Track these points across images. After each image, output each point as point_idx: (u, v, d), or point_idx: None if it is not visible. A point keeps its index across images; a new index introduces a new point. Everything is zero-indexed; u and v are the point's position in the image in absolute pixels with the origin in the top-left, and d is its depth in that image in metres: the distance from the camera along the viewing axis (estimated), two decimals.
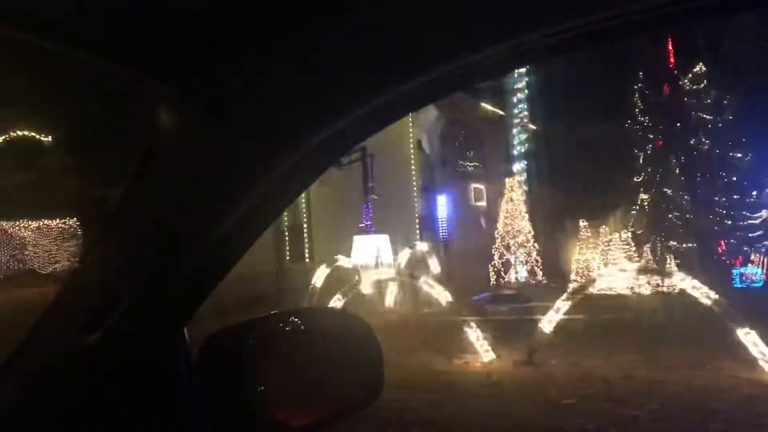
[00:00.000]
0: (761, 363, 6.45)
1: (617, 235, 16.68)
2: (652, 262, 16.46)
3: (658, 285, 12.06)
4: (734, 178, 17.53)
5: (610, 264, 14.36)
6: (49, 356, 0.94)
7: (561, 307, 7.41)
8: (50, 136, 19.91)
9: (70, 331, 0.92)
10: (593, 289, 14.07)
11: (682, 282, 7.01)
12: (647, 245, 17.08)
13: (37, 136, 19.53)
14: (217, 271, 0.93)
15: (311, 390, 1.03)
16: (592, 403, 5.96)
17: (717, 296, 6.90)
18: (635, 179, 16.60)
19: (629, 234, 16.77)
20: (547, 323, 7.37)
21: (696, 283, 7.02)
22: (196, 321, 0.96)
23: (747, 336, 6.55)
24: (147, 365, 0.93)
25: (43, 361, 0.94)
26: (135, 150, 0.92)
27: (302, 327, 1.07)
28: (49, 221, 18.72)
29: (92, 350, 0.90)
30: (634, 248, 16.52)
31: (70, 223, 18.72)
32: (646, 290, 13.09)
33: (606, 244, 16.95)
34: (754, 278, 16.99)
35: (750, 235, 18.65)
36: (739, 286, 16.32)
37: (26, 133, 19.41)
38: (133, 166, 0.89)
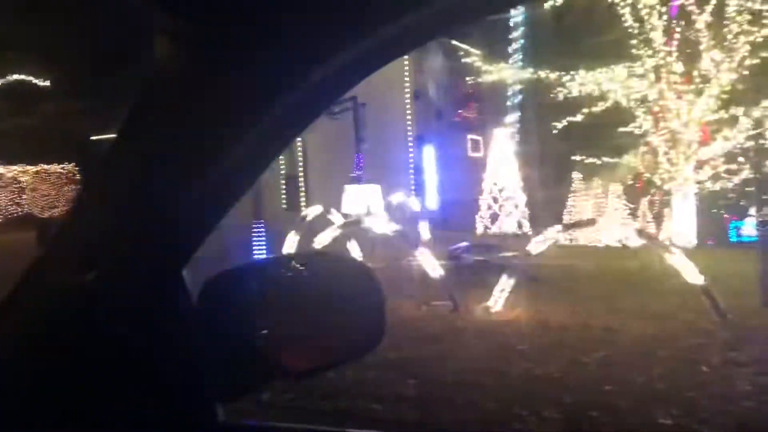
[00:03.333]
0: (713, 314, 6.68)
1: (610, 187, 16.79)
2: (648, 215, 16.63)
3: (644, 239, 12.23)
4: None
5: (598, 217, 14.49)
6: (44, 295, 0.93)
7: (528, 256, 7.61)
8: (49, 80, 19.95)
9: (65, 270, 0.91)
10: (582, 241, 14.32)
11: (645, 235, 7.17)
12: (644, 198, 17.17)
13: (36, 80, 19.64)
14: (216, 211, 0.92)
15: (312, 335, 1.01)
16: (545, 349, 6.21)
17: (678, 251, 7.09)
18: (634, 130, 16.29)
19: (621, 186, 16.84)
20: (514, 272, 7.59)
21: (661, 238, 7.20)
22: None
23: (702, 288, 6.77)
24: (146, 306, 0.92)
25: (38, 299, 0.93)
26: (132, 93, 0.91)
27: (304, 271, 1.05)
28: (48, 166, 19.00)
29: (88, 290, 0.88)
30: (624, 201, 16.65)
31: (69, 167, 19.00)
32: (633, 243, 13.29)
33: (597, 196, 17.09)
34: (751, 233, 16.97)
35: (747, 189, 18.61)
36: (735, 240, 16.39)
37: (24, 77, 19.52)
38: (130, 105, 0.88)
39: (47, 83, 20.18)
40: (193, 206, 0.88)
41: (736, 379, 5.14)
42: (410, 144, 18.88)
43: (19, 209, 18.83)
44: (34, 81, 20.01)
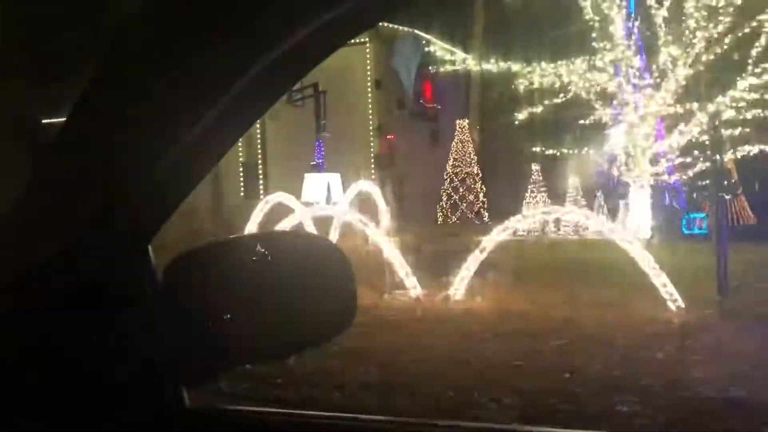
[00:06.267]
0: (668, 303, 6.83)
1: (569, 179, 17.01)
2: (604, 207, 16.89)
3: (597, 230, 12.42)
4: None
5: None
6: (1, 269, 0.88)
7: (488, 245, 7.65)
8: None
9: (20, 244, 0.87)
10: (539, 232, 14.48)
11: (603, 226, 7.29)
12: (599, 192, 17.44)
13: None
14: (183, 186, 0.89)
15: (278, 318, 0.97)
16: (505, 337, 6.25)
17: (634, 240, 7.23)
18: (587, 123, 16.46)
19: (578, 179, 17.06)
20: (475, 261, 7.63)
21: (617, 228, 7.33)
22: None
23: (658, 278, 6.90)
24: (110, 283, 0.89)
25: None
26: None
27: (268, 253, 0.99)
28: None
29: (48, 266, 0.84)
30: (581, 193, 16.89)
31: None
32: (590, 235, 13.49)
33: (555, 188, 17.30)
34: (701, 226, 17.31)
35: (700, 183, 19.05)
36: (687, 232, 16.74)
37: None
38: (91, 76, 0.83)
39: None
40: (160, 180, 0.84)
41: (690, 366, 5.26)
42: (371, 133, 18.81)
43: None
44: None
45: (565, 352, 5.84)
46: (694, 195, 18.59)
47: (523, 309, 7.19)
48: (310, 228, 10.24)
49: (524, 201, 16.85)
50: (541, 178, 17.21)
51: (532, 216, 7.37)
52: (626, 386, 4.80)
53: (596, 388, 4.85)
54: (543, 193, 16.94)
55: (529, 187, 17.20)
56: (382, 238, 8.30)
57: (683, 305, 6.81)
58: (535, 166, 17.20)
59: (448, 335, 6.43)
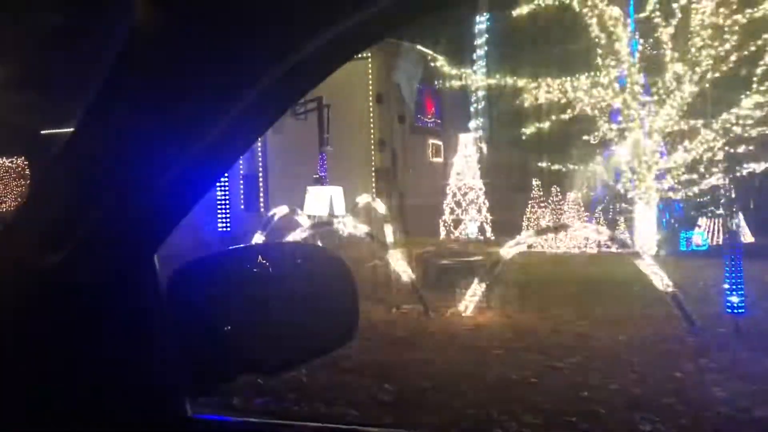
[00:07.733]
0: (681, 320, 6.76)
1: (569, 195, 16.98)
2: (602, 222, 16.86)
3: (602, 246, 12.39)
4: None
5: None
6: (4, 278, 0.88)
7: (497, 260, 7.58)
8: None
9: (25, 252, 0.86)
10: (541, 247, 14.44)
11: (615, 242, 7.23)
12: (600, 206, 17.41)
13: None
14: (189, 197, 0.89)
15: (280, 329, 0.97)
16: (518, 354, 6.17)
17: (645, 257, 7.16)
18: (592, 140, 16.50)
19: (579, 194, 17.03)
20: (484, 276, 7.56)
21: (627, 242, 7.27)
22: None
23: (669, 294, 6.84)
24: (114, 291, 0.89)
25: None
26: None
27: (269, 265, 1.00)
28: None
29: (50, 273, 0.84)
30: (583, 209, 16.86)
31: (18, 162, 18.20)
32: (592, 250, 13.44)
33: (556, 203, 17.27)
34: (699, 242, 17.30)
35: (698, 200, 19.05)
36: (684, 249, 16.73)
37: None
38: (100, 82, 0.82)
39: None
40: (167, 190, 0.85)
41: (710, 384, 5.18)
42: (373, 147, 18.80)
43: None
44: None
45: (577, 370, 5.75)
46: (692, 212, 18.59)
47: (534, 325, 7.11)
48: (315, 241, 10.17)
49: (525, 216, 16.81)
50: (541, 192, 17.18)
51: (544, 231, 7.25)
52: (646, 405, 4.73)
53: (615, 406, 4.77)
54: (544, 209, 16.90)
55: (530, 202, 17.18)
56: (389, 251, 8.22)
57: (696, 322, 6.74)
58: (536, 181, 17.18)
59: (458, 351, 6.35)
